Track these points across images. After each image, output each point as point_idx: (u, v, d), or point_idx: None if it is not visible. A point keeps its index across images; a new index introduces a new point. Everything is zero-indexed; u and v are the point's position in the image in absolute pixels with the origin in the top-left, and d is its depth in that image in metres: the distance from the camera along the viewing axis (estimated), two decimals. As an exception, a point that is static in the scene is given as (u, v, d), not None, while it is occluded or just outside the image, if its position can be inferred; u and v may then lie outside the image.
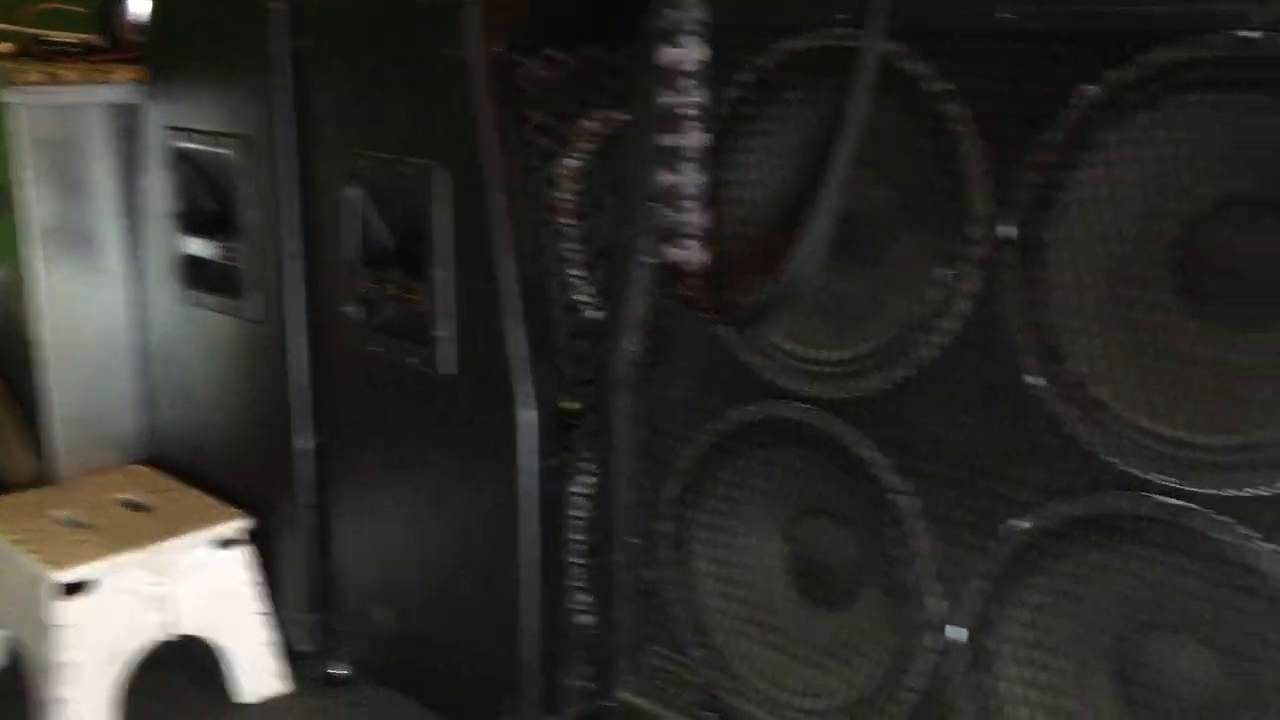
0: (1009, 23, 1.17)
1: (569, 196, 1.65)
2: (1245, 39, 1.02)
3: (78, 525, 1.96)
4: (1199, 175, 1.08)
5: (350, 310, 1.84)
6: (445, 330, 1.70)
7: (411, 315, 1.74)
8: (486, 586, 1.73)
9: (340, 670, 2.04)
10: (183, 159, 2.11)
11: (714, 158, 1.45)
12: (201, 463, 2.18)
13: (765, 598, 1.53)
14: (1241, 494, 1.07)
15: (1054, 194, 1.16)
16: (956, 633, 1.30)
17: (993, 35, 1.19)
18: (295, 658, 2.07)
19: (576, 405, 1.67)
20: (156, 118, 2.17)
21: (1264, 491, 1.05)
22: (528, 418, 1.63)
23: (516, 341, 1.62)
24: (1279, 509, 1.05)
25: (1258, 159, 1.04)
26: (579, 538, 1.71)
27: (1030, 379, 1.20)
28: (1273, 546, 1.06)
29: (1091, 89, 1.12)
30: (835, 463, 1.40)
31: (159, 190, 2.18)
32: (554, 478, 1.66)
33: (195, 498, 2.08)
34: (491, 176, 1.57)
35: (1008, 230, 1.20)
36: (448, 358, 1.71)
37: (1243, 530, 1.07)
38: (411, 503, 1.85)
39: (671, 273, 1.48)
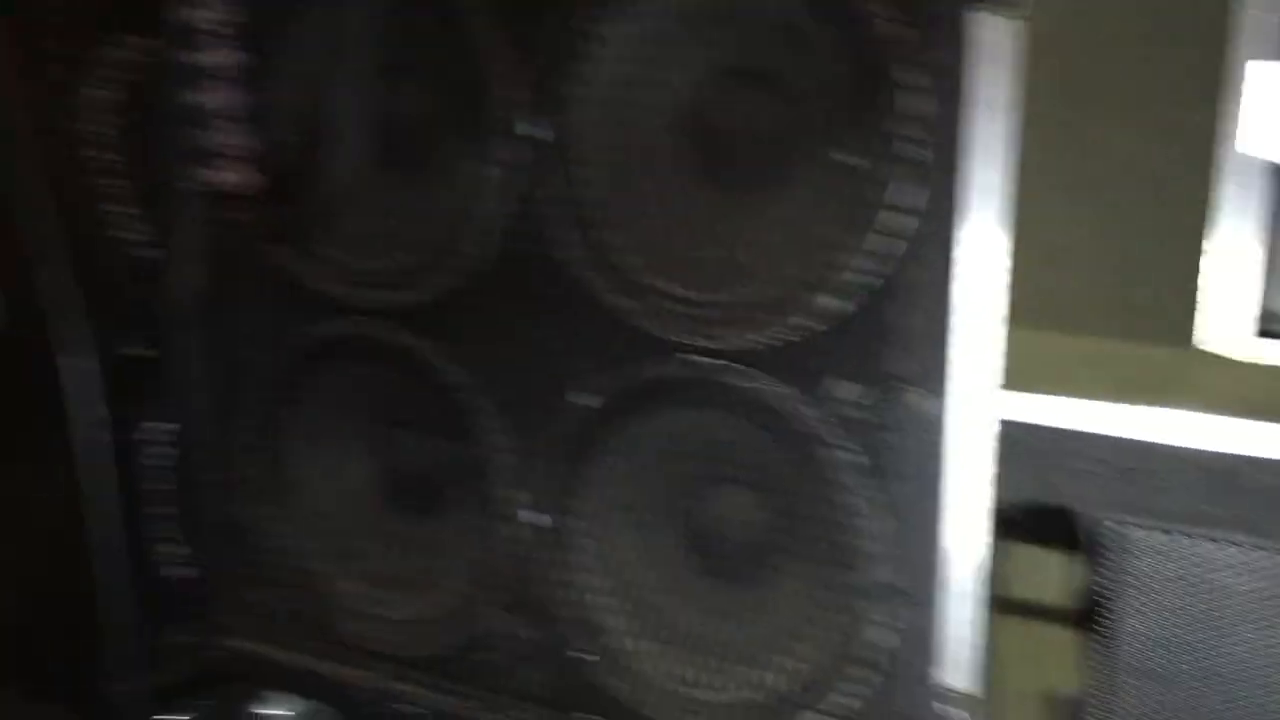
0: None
1: (104, 130, 1.55)
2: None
3: None
4: (693, 47, 1.15)
5: None
6: (-17, 283, 1.56)
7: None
8: (63, 555, 1.63)
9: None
10: None
11: (247, 75, 1.40)
12: None
13: (359, 520, 1.52)
14: (756, 345, 1.16)
15: (569, 83, 1.21)
16: (539, 519, 1.35)
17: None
18: None
19: (144, 348, 1.59)
20: None
21: (768, 340, 1.15)
22: (87, 366, 1.53)
23: (63, 288, 1.51)
24: (787, 355, 1.15)
25: (743, 26, 1.12)
26: (163, 486, 1.63)
27: (570, 255, 1.25)
28: (786, 389, 1.16)
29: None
30: (408, 372, 1.40)
31: None
32: (125, 428, 1.58)
33: None
34: (6, 105, 1.45)
35: (536, 123, 1.24)
36: (-4, 312, 1.58)
37: (764, 377, 1.17)
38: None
39: (216, 196, 1.43)
